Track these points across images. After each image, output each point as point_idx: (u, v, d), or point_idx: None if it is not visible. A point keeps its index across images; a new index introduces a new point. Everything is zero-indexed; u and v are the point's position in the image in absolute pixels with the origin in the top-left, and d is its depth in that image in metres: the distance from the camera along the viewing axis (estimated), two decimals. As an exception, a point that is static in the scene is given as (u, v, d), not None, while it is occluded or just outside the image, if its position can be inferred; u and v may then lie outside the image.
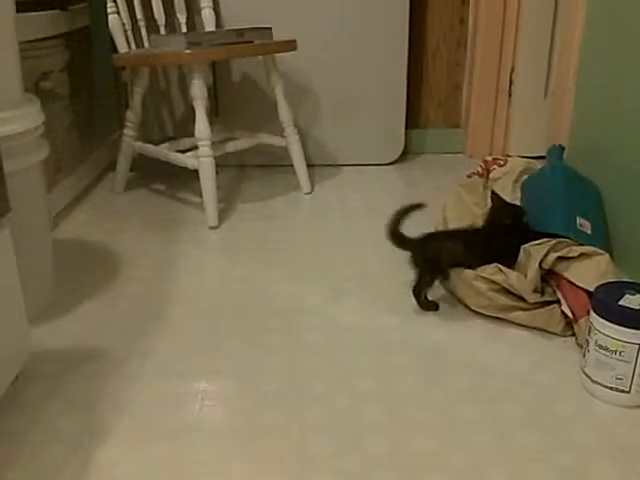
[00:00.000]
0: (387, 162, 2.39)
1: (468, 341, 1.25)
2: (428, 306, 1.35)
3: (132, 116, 2.03)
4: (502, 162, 1.70)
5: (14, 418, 1.04)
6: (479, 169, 1.73)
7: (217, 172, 1.84)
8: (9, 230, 1.04)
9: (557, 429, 1.00)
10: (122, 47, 1.99)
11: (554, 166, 1.56)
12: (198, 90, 1.77)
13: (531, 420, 1.02)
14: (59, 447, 0.98)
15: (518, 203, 1.50)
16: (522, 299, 1.26)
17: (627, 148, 1.44)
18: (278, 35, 1.96)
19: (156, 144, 2.06)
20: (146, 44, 2.05)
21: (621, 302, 1.03)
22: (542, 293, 1.27)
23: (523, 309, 1.27)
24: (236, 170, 2.36)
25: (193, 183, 2.08)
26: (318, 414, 1.04)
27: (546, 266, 1.26)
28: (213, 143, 1.83)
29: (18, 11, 1.28)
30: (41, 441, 0.99)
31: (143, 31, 2.04)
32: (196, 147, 1.83)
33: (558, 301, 1.26)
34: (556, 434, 0.99)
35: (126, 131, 2.04)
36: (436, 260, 1.31)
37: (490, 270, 1.29)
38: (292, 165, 2.07)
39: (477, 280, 1.29)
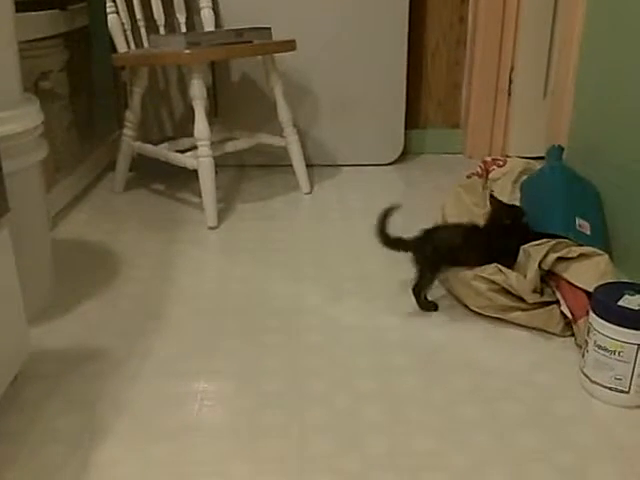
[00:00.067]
0: (386, 162, 2.39)
1: (468, 341, 1.25)
2: (428, 306, 1.35)
3: (131, 116, 2.03)
4: (501, 162, 1.70)
5: (13, 418, 1.04)
6: (478, 169, 1.74)
7: (216, 172, 1.84)
8: (8, 230, 1.04)
9: (556, 429, 1.00)
10: (121, 47, 1.99)
11: (553, 167, 1.56)
12: (197, 90, 1.77)
13: (531, 420, 1.02)
14: (58, 447, 0.98)
15: (517, 204, 1.50)
16: (521, 299, 1.26)
17: (627, 148, 1.44)
18: (277, 35, 1.96)
19: (155, 144, 2.06)
20: (145, 44, 2.05)
21: (620, 302, 1.03)
22: (541, 293, 1.27)
23: (522, 309, 1.27)
24: (235, 170, 2.36)
25: (192, 183, 2.08)
26: (318, 414, 1.04)
27: (545, 267, 1.26)
28: (212, 143, 1.83)
29: (17, 11, 1.28)
30: (40, 441, 0.99)
31: (142, 31, 2.04)
32: (195, 147, 1.83)
33: (557, 301, 1.26)
34: (555, 434, 0.99)
35: (125, 131, 2.04)
36: (436, 257, 1.31)
37: (489, 270, 1.29)
38: (291, 165, 2.07)
39: (476, 280, 1.29)
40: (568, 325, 1.24)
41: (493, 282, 1.28)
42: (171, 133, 2.36)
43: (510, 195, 1.56)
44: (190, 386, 1.12)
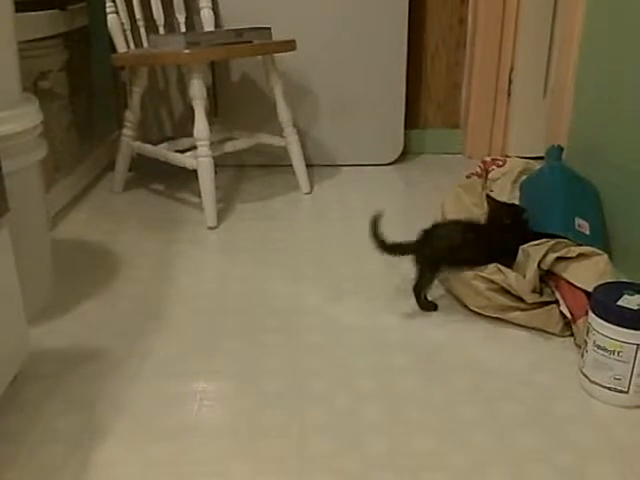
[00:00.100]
0: (386, 162, 2.39)
1: (467, 341, 1.25)
2: (428, 306, 1.35)
3: (131, 116, 2.03)
4: (501, 162, 1.70)
5: (13, 418, 1.04)
6: (478, 169, 1.74)
7: (216, 172, 1.84)
8: (8, 230, 1.04)
9: (556, 429, 1.00)
10: (121, 47, 1.99)
11: (553, 166, 1.56)
12: (197, 90, 1.77)
13: (530, 420, 1.02)
14: (58, 447, 0.98)
15: (516, 203, 1.50)
16: (521, 299, 1.26)
17: (626, 148, 1.44)
18: (277, 35, 1.96)
19: (155, 144, 2.05)
20: (145, 44, 2.05)
21: (619, 302, 1.03)
22: (541, 293, 1.28)
23: (522, 309, 1.27)
24: (235, 170, 2.36)
25: (192, 183, 2.08)
26: (318, 414, 1.04)
27: (545, 266, 1.26)
28: (212, 143, 1.83)
29: (17, 11, 1.28)
30: (40, 441, 0.99)
31: (142, 31, 2.03)
32: (195, 147, 1.83)
33: (557, 301, 1.26)
34: (555, 434, 0.99)
35: (125, 131, 2.04)
36: (436, 257, 1.31)
37: (489, 270, 1.29)
38: (291, 165, 2.07)
39: (476, 280, 1.29)
40: (567, 325, 1.25)
41: (492, 282, 1.28)
42: (171, 133, 2.36)
43: (509, 195, 1.56)
44: (190, 386, 1.12)
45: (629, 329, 1.01)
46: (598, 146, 1.58)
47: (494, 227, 1.35)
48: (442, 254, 1.31)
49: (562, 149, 1.65)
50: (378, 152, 2.37)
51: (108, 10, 1.95)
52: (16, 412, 1.06)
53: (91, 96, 2.23)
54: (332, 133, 2.35)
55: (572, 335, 1.24)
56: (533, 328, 1.27)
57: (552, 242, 1.28)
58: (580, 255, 1.26)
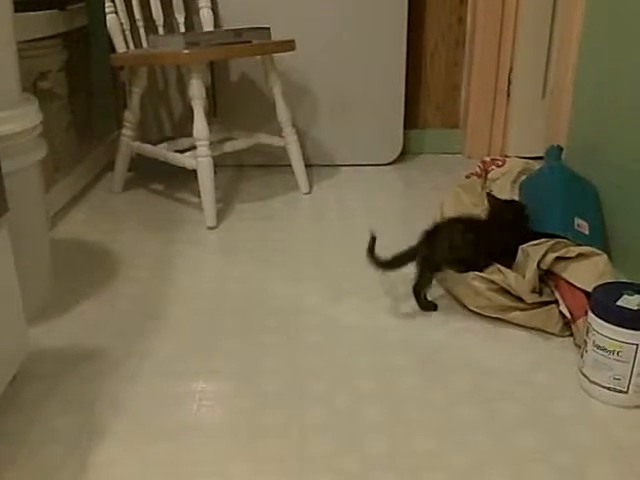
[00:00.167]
0: (385, 162, 2.39)
1: (467, 341, 1.25)
2: (427, 306, 1.35)
3: (130, 116, 2.03)
4: (500, 162, 1.70)
5: (12, 418, 1.04)
6: (477, 169, 1.74)
7: (215, 172, 1.84)
8: (7, 230, 1.04)
9: (555, 429, 1.00)
10: (120, 47, 1.99)
11: (552, 166, 1.57)
12: (196, 90, 1.77)
13: (530, 420, 1.02)
14: (57, 447, 0.98)
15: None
16: (520, 299, 1.26)
17: (626, 148, 1.44)
18: (276, 35, 1.96)
19: (154, 144, 2.05)
20: (144, 44, 2.04)
21: (619, 302, 1.03)
22: (540, 293, 1.28)
23: (521, 309, 1.27)
24: (234, 170, 2.36)
25: (191, 183, 2.08)
26: (318, 414, 1.04)
27: (544, 266, 1.26)
28: (211, 143, 1.83)
29: (16, 11, 1.28)
30: (39, 441, 0.99)
31: (141, 31, 2.03)
32: (194, 147, 1.82)
33: (556, 301, 1.26)
34: (554, 434, 0.99)
35: (124, 131, 2.04)
36: (437, 257, 1.31)
37: (488, 270, 1.29)
38: (290, 165, 2.07)
39: (475, 280, 1.29)
40: (567, 325, 1.25)
41: (492, 282, 1.28)
42: (170, 133, 2.36)
43: (509, 195, 1.56)
44: (189, 386, 1.12)
45: (629, 329, 1.01)
46: (597, 146, 1.58)
47: (494, 226, 1.35)
48: (442, 254, 1.31)
49: (561, 149, 1.65)
50: (377, 152, 2.37)
51: (107, 10, 1.95)
52: (15, 412, 1.05)
53: (90, 96, 2.23)
54: (331, 133, 2.35)
55: (571, 335, 1.24)
56: (533, 328, 1.27)
57: (551, 242, 1.28)
58: (579, 255, 1.26)
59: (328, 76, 2.28)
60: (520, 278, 1.25)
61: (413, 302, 1.35)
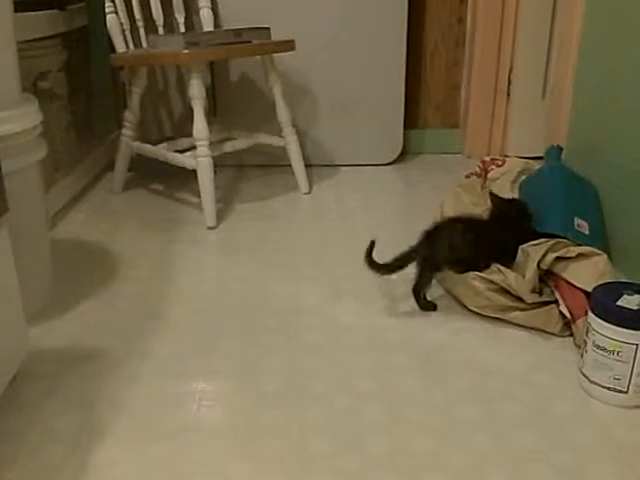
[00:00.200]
0: (385, 162, 2.39)
1: (467, 341, 1.25)
2: (427, 306, 1.35)
3: (130, 116, 2.03)
4: (500, 162, 1.70)
5: (12, 418, 1.04)
6: (477, 169, 1.74)
7: (215, 172, 1.84)
8: (7, 230, 1.04)
9: (555, 429, 1.00)
10: (120, 47, 1.99)
11: (552, 166, 1.57)
12: (196, 90, 1.77)
13: (530, 420, 1.02)
14: (57, 447, 0.98)
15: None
16: (520, 299, 1.26)
17: (626, 148, 1.44)
18: (276, 35, 1.96)
19: (154, 144, 2.05)
20: (144, 44, 2.04)
21: (619, 302, 1.03)
22: (540, 293, 1.28)
23: (521, 309, 1.27)
24: (234, 170, 2.36)
25: (191, 183, 2.08)
26: (318, 414, 1.04)
27: (544, 266, 1.26)
28: (211, 143, 1.83)
29: (16, 11, 1.28)
30: (39, 441, 0.99)
31: (141, 31, 2.03)
32: (194, 147, 1.82)
33: (556, 301, 1.26)
34: (554, 434, 0.99)
35: (124, 131, 2.04)
36: (437, 257, 1.31)
37: (488, 270, 1.29)
38: (290, 165, 2.07)
39: (475, 280, 1.29)
40: (567, 325, 1.25)
41: (492, 282, 1.28)
42: (170, 133, 2.36)
43: (509, 195, 1.56)
44: (189, 386, 1.12)
45: (628, 329, 1.01)
46: (597, 146, 1.58)
47: (495, 226, 1.35)
48: (442, 254, 1.31)
49: (561, 149, 1.65)
50: (377, 152, 2.37)
51: (107, 10, 1.95)
52: (15, 412, 1.05)
53: (90, 96, 2.23)
54: (331, 133, 2.35)
55: (571, 335, 1.24)
56: (532, 328, 1.27)
57: (551, 242, 1.28)
58: (579, 255, 1.26)
59: (328, 76, 2.28)
60: (520, 278, 1.25)
61: (413, 302, 1.35)
